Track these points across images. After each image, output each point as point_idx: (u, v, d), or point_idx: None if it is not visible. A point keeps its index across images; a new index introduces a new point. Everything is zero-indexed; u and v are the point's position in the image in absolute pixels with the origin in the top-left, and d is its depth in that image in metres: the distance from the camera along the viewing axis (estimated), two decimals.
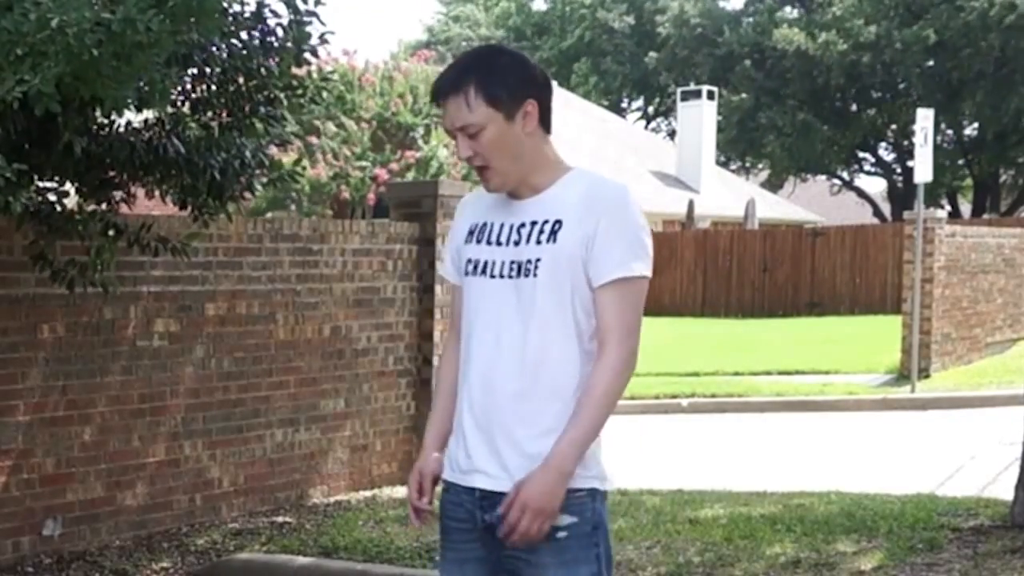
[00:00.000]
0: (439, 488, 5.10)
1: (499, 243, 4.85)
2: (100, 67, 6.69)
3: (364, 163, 32.74)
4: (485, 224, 4.92)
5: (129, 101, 7.98)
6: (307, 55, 9.87)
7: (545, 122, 4.90)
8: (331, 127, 32.14)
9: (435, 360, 13.47)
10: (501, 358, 4.78)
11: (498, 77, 4.77)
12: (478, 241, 4.92)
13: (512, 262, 4.78)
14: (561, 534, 4.70)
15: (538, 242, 4.74)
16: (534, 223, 4.78)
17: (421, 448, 5.20)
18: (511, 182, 4.82)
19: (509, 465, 4.75)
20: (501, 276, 4.81)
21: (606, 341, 4.71)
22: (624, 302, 4.71)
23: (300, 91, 9.91)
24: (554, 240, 4.72)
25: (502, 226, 4.86)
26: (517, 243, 4.79)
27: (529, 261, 4.74)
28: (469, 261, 4.92)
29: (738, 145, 63.66)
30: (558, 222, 4.73)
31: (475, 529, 4.90)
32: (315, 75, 10.27)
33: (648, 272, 4.76)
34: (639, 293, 4.75)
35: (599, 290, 4.71)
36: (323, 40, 9.90)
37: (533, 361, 4.74)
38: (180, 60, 8.74)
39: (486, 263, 4.86)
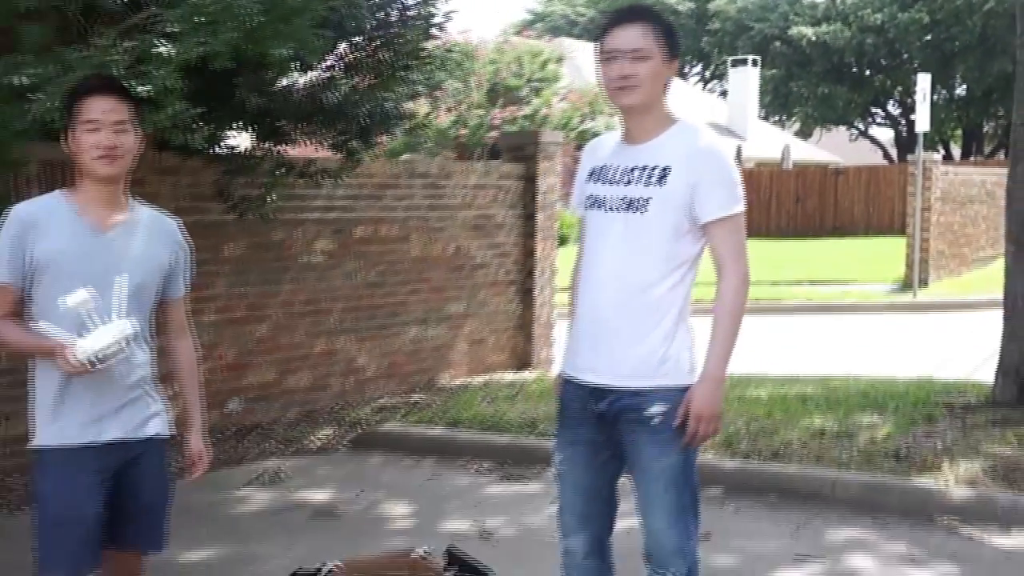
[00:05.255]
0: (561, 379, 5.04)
1: (612, 182, 4.75)
2: (264, 31, 6.59)
3: (480, 111, 32.67)
4: (604, 166, 4.83)
5: (290, 60, 7.94)
6: (434, 31, 9.87)
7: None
8: (454, 84, 32.18)
9: (537, 273, 13.52)
10: (609, 277, 4.71)
11: (670, 28, 4.73)
12: (596, 180, 4.84)
13: (622, 198, 4.69)
14: (656, 420, 4.63)
15: (647, 183, 4.64)
16: (644, 168, 4.67)
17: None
18: (644, 103, 4.68)
19: (612, 364, 4.70)
20: (613, 209, 4.71)
21: (724, 266, 4.69)
22: (732, 234, 4.67)
23: (428, 60, 9.79)
24: (663, 183, 4.61)
25: (616, 168, 4.76)
26: (628, 183, 4.69)
27: (639, 199, 4.65)
28: (589, 196, 4.85)
29: (773, 108, 63.46)
30: (667, 168, 4.63)
31: (586, 418, 4.82)
32: (441, 48, 10.21)
33: (743, 208, 4.71)
34: (741, 224, 4.71)
35: (710, 226, 4.65)
36: (447, 18, 9.97)
37: (635, 281, 4.66)
38: (333, 27, 8.68)
39: (602, 198, 4.77)
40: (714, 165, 4.65)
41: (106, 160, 4.34)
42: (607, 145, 4.95)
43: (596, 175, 4.86)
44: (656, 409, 4.63)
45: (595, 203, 4.81)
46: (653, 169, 4.65)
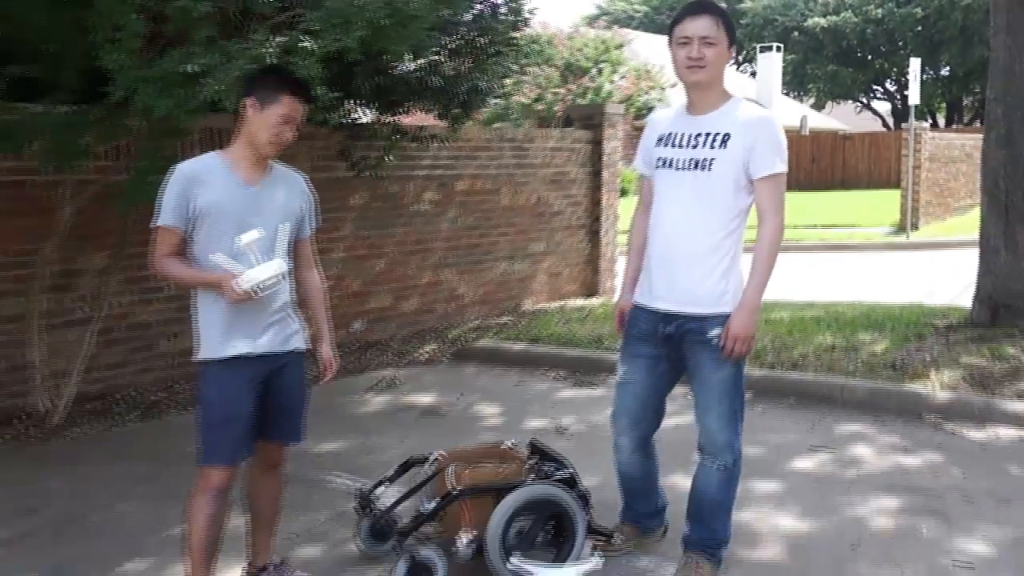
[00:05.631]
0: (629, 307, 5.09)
1: (680, 146, 4.75)
2: (388, 31, 6.59)
3: (556, 89, 32.60)
4: (671, 133, 4.82)
5: (405, 54, 7.95)
6: (520, 24, 9.85)
7: None
8: (535, 69, 32.03)
9: (603, 219, 13.45)
10: (679, 224, 4.73)
11: (731, 22, 4.74)
12: (665, 144, 4.83)
13: (690, 159, 4.70)
14: (715, 340, 4.68)
15: (711, 147, 4.66)
16: (708, 134, 4.69)
17: (621, 290, 5.19)
18: (709, 80, 4.69)
19: (682, 295, 4.74)
20: (682, 168, 4.72)
21: (765, 215, 4.66)
22: (774, 190, 4.66)
23: (516, 46, 9.75)
24: (725, 147, 4.63)
25: (683, 135, 4.77)
26: (695, 146, 4.70)
27: (705, 160, 4.66)
28: (659, 159, 4.84)
29: (793, 85, 63.04)
30: (727, 134, 4.64)
31: (653, 337, 4.88)
32: (527, 37, 10.15)
33: (786, 168, 4.66)
34: (782, 182, 4.69)
35: (758, 182, 4.64)
36: (531, 13, 9.98)
37: (701, 228, 4.69)
38: (440, 27, 8.68)
39: (671, 160, 4.77)
40: (767, 132, 4.63)
41: (275, 147, 4.36)
42: (666, 118, 4.94)
43: (664, 141, 4.83)
44: (715, 331, 4.66)
45: (665, 163, 4.79)
46: (716, 135, 4.65)
